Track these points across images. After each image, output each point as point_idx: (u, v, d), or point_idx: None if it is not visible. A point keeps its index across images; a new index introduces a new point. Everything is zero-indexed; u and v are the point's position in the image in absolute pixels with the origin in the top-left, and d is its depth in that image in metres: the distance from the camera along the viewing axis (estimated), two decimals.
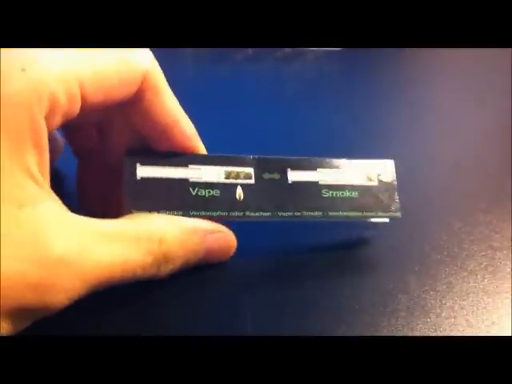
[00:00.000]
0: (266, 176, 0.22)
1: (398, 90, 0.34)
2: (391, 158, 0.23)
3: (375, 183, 0.22)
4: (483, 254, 0.24)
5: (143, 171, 0.20)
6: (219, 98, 0.31)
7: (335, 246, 0.24)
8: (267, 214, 0.21)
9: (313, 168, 0.22)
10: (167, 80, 0.20)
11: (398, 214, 0.22)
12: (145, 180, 0.20)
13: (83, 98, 0.17)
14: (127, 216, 0.19)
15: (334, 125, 0.30)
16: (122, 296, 0.20)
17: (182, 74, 0.33)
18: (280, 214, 0.21)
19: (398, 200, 0.23)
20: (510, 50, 0.38)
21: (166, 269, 0.19)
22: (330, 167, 0.22)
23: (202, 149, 0.22)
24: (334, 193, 0.22)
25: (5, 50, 0.16)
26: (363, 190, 0.22)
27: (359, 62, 0.35)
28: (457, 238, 0.25)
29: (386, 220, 0.23)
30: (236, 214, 0.21)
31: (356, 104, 0.32)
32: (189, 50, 0.34)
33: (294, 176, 0.22)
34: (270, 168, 0.22)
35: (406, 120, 0.32)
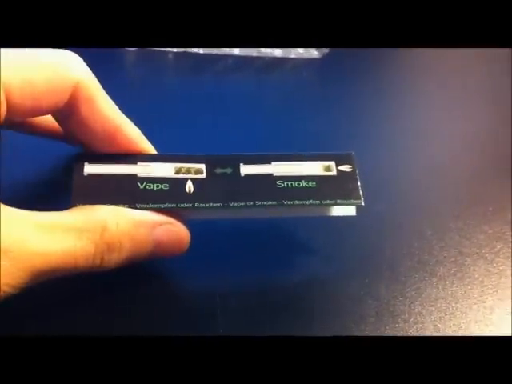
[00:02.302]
0: (218, 171, 0.21)
1: (378, 94, 0.34)
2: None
3: (334, 173, 0.22)
4: (453, 260, 0.24)
5: (91, 168, 0.21)
6: (200, 107, 0.32)
7: (307, 253, 0.24)
8: (217, 204, 0.21)
9: (267, 162, 0.22)
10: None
11: (360, 202, 0.21)
12: (92, 176, 0.21)
13: (10, 105, 0.18)
14: (71, 209, 0.19)
15: (314, 132, 0.31)
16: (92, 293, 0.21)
17: (162, 82, 0.33)
18: (231, 204, 0.21)
19: (359, 188, 0.22)
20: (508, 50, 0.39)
21: (111, 259, 0.19)
22: (284, 160, 0.22)
23: (150, 150, 0.22)
24: (290, 183, 0.22)
25: None
26: (321, 180, 0.22)
27: (339, 68, 0.36)
28: (428, 244, 0.25)
29: (351, 212, 0.22)
30: (185, 205, 0.20)
31: (335, 111, 0.33)
32: (170, 59, 0.35)
33: (246, 170, 0.22)
34: (223, 163, 0.22)
35: (382, 124, 0.32)
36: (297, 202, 0.21)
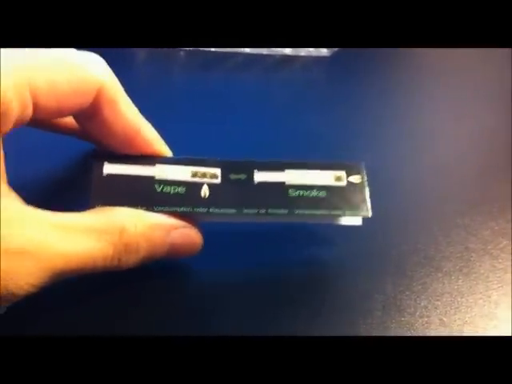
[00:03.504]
0: (233, 176, 0.22)
1: (385, 93, 0.34)
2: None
3: (344, 183, 0.23)
4: (459, 255, 0.25)
5: (110, 168, 0.21)
6: (210, 104, 0.32)
7: (314, 250, 0.25)
8: (232, 210, 0.21)
9: (280, 169, 0.22)
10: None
11: (367, 213, 0.22)
12: (111, 176, 0.21)
13: (36, 106, 0.18)
14: (90, 210, 0.20)
15: (321, 130, 0.31)
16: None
17: (172, 80, 0.34)
18: (245, 211, 0.21)
19: (368, 200, 0.22)
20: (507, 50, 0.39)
21: (128, 260, 0.20)
22: (297, 168, 0.23)
23: (167, 153, 0.23)
24: (301, 192, 0.22)
25: None
26: (331, 189, 0.22)
27: (348, 66, 0.36)
28: (434, 240, 0.25)
29: (358, 222, 0.23)
30: (200, 209, 0.21)
31: (343, 109, 0.33)
32: (181, 56, 0.35)
33: (260, 177, 0.22)
34: (237, 169, 0.22)
35: (389, 123, 0.32)
36: (307, 212, 0.22)
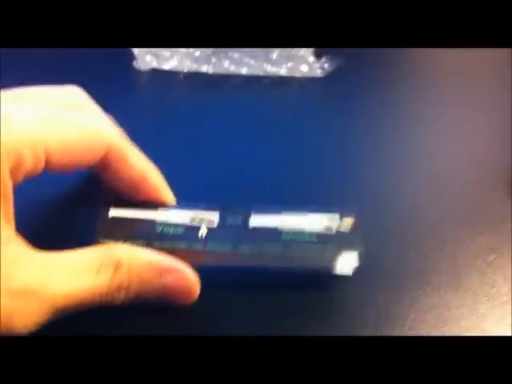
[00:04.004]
0: (229, 221, 0.24)
1: (379, 110, 0.35)
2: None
3: (336, 227, 0.24)
4: (448, 270, 0.26)
5: (115, 212, 0.23)
6: (208, 126, 0.33)
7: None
8: (227, 248, 0.23)
9: (274, 214, 0.24)
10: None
11: (358, 254, 0.23)
12: (116, 219, 0.23)
13: (48, 163, 0.20)
14: (89, 247, 0.21)
15: (317, 150, 0.32)
16: None
17: (172, 102, 0.35)
18: (239, 248, 0.23)
19: (357, 242, 0.23)
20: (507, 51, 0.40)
21: (119, 297, 0.21)
22: (291, 213, 0.24)
23: (170, 198, 0.24)
24: (294, 235, 0.23)
25: None
26: (323, 233, 0.24)
27: (341, 86, 0.37)
28: (424, 254, 0.26)
29: (349, 272, 0.24)
30: (197, 246, 0.23)
31: (337, 128, 0.34)
32: (180, 80, 0.37)
33: (255, 221, 0.24)
34: (234, 213, 0.24)
35: (382, 140, 0.33)
36: (299, 253, 0.23)
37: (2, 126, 0.19)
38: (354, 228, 0.24)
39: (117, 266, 0.20)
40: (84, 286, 0.20)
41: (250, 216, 0.24)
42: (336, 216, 0.24)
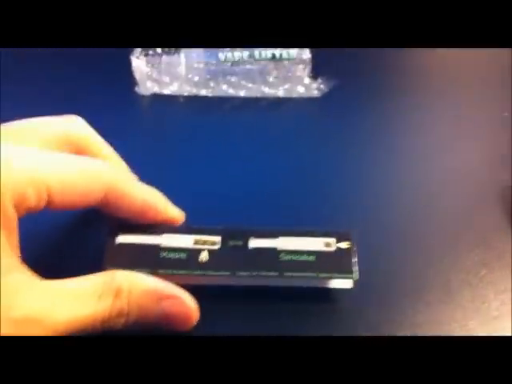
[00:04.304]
0: (231, 243, 0.25)
1: (375, 128, 0.36)
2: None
3: (333, 249, 0.25)
4: (440, 286, 0.26)
5: (122, 238, 0.25)
6: (208, 146, 0.34)
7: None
8: (226, 273, 0.24)
9: (273, 236, 0.25)
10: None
11: (354, 276, 0.24)
12: (122, 245, 0.24)
13: (49, 202, 0.21)
14: (91, 275, 0.22)
15: (315, 165, 0.33)
16: None
17: (171, 124, 0.36)
18: (238, 273, 0.24)
19: (354, 264, 0.24)
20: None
21: (119, 323, 0.21)
22: (289, 236, 0.25)
23: (177, 215, 0.25)
24: (292, 257, 0.24)
25: None
26: (320, 254, 0.24)
27: (337, 105, 0.38)
28: (417, 271, 0.27)
29: (349, 285, 0.25)
30: (198, 272, 0.24)
31: (335, 146, 0.35)
32: (179, 102, 0.38)
33: (254, 243, 0.25)
34: (235, 236, 0.25)
35: (376, 157, 0.34)
36: (296, 274, 0.24)
37: (6, 164, 0.20)
38: (350, 249, 0.25)
39: (117, 293, 0.21)
40: (86, 312, 0.20)
41: (249, 238, 0.25)
42: (332, 240, 0.25)
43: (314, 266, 0.24)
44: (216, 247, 0.25)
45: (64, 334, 0.20)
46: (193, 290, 0.23)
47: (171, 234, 0.25)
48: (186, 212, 0.26)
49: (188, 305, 0.23)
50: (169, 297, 0.22)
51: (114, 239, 0.24)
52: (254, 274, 0.24)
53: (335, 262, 0.24)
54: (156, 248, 0.24)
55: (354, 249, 0.25)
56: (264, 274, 0.24)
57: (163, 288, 0.23)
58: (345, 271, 0.24)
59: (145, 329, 0.22)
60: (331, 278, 0.24)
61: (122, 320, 0.21)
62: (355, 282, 0.25)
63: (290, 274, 0.24)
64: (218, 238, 0.25)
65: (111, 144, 0.27)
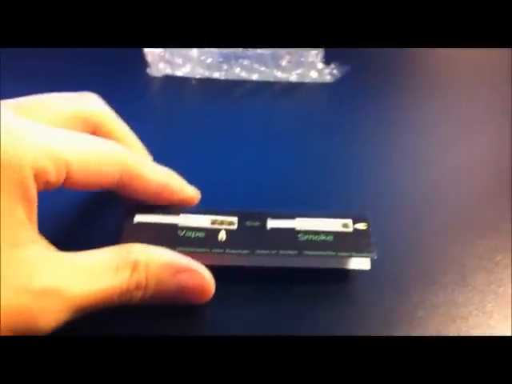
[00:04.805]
0: (248, 224, 0.25)
1: (387, 116, 0.36)
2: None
3: (350, 230, 0.25)
4: (455, 270, 0.26)
5: (140, 218, 0.24)
6: (219, 131, 0.34)
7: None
8: (245, 251, 0.24)
9: (291, 218, 0.25)
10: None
11: (373, 255, 0.24)
12: (140, 224, 0.24)
13: (67, 179, 0.21)
14: (107, 248, 0.22)
15: (327, 153, 0.33)
16: None
17: (183, 107, 0.36)
18: (257, 252, 0.24)
19: (371, 244, 0.24)
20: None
21: (137, 296, 0.21)
22: (307, 217, 0.25)
23: (194, 194, 0.25)
24: (310, 236, 0.24)
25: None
26: (338, 235, 0.24)
27: (350, 91, 0.38)
28: (431, 256, 0.27)
29: (367, 266, 0.25)
30: (217, 250, 0.24)
31: (346, 133, 0.35)
32: (192, 86, 0.37)
33: (272, 223, 0.25)
34: (252, 217, 0.25)
35: (389, 146, 0.34)
36: (315, 253, 0.24)
37: (24, 137, 0.20)
38: (367, 231, 0.25)
39: (135, 266, 0.21)
40: (103, 285, 0.20)
41: (267, 219, 0.25)
42: (349, 221, 0.25)
43: (333, 245, 0.24)
44: (233, 227, 0.24)
45: (82, 307, 0.20)
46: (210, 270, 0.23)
47: (188, 215, 0.25)
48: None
49: (205, 278, 0.23)
50: (186, 270, 0.22)
51: (131, 218, 0.24)
52: (273, 252, 0.24)
53: (353, 242, 0.24)
54: (174, 227, 0.24)
55: (371, 230, 0.25)
56: (283, 252, 0.24)
57: (180, 261, 0.22)
58: (364, 250, 0.24)
59: (160, 302, 0.22)
60: (350, 256, 0.24)
61: (140, 293, 0.21)
62: (372, 263, 0.24)
63: (309, 253, 0.24)
64: (235, 219, 0.25)
65: None
